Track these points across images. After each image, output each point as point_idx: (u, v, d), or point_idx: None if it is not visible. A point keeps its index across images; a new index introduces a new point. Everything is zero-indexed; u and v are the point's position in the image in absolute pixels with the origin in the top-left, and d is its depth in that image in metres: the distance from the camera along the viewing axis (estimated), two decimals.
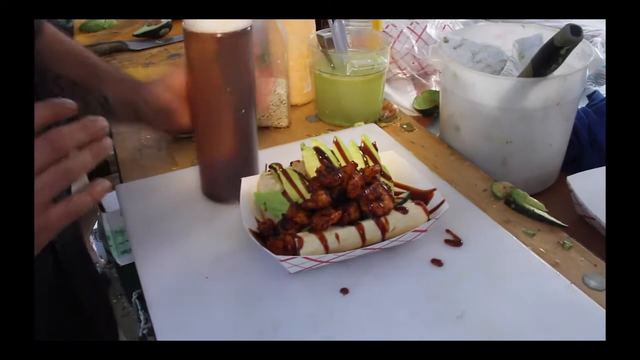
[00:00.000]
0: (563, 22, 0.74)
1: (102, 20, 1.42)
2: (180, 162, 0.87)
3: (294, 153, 0.74)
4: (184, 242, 0.68)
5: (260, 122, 0.95)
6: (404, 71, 1.19)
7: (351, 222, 0.61)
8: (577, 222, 0.80)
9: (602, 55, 1.26)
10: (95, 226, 1.99)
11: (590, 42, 1.36)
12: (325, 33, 0.95)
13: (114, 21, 1.44)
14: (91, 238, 2.01)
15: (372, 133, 0.90)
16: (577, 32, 0.70)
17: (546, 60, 0.75)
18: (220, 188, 0.73)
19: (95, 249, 2.00)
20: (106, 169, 1.41)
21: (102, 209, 1.49)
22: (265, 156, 0.79)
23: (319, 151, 0.65)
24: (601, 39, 1.40)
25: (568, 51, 0.73)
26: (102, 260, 2.02)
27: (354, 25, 1.07)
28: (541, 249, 0.68)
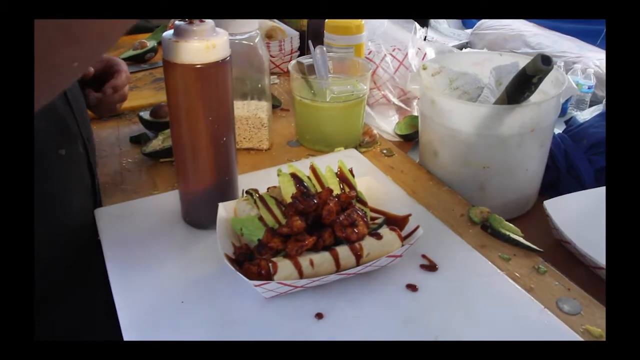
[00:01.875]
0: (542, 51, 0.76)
1: None
2: (161, 186, 0.87)
3: (273, 178, 0.75)
4: (160, 267, 0.68)
5: (242, 144, 0.96)
6: (386, 97, 1.20)
7: (326, 248, 0.62)
8: (553, 247, 0.81)
9: (580, 82, 1.30)
10: None
11: (570, 68, 1.39)
12: (305, 60, 0.96)
13: None
14: None
15: (351, 158, 0.91)
16: (547, 61, 0.71)
17: (519, 89, 0.77)
18: (199, 215, 0.73)
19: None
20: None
21: None
22: (245, 181, 0.79)
23: (295, 177, 0.66)
24: (581, 65, 1.43)
25: (540, 80, 0.75)
26: None
27: (336, 52, 1.09)
28: (516, 274, 0.69)
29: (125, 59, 1.33)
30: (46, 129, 0.71)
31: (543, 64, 0.72)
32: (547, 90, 0.88)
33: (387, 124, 1.12)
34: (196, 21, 0.62)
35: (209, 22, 0.63)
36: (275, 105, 1.12)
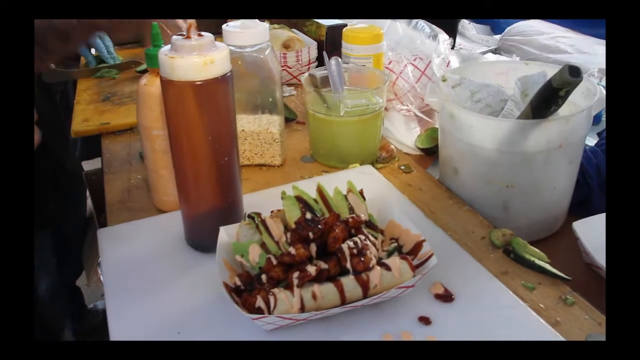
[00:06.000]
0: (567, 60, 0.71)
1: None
2: None
3: None
4: (159, 293, 0.65)
5: (253, 159, 0.93)
6: (407, 108, 1.15)
7: (330, 278, 0.57)
8: (584, 272, 0.75)
9: None
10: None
11: (601, 80, 1.32)
12: (319, 72, 0.92)
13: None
14: (99, 270, 2.01)
15: (367, 175, 0.87)
16: (576, 73, 0.66)
17: (545, 102, 0.71)
18: (202, 238, 0.70)
19: (102, 280, 1.98)
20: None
21: None
22: (253, 200, 0.76)
23: (300, 200, 0.62)
24: None
25: (567, 93, 0.69)
26: None
27: (354, 62, 1.05)
28: (541, 305, 0.63)
29: (141, 72, 1.32)
30: None
31: (571, 75, 0.66)
32: (577, 102, 0.82)
33: (408, 137, 1.07)
34: (194, 35, 0.59)
35: (208, 36, 0.60)
36: (290, 119, 1.08)
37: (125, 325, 0.60)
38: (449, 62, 1.15)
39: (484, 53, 1.74)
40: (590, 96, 0.80)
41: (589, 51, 1.67)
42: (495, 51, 1.96)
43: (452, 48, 1.29)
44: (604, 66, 1.40)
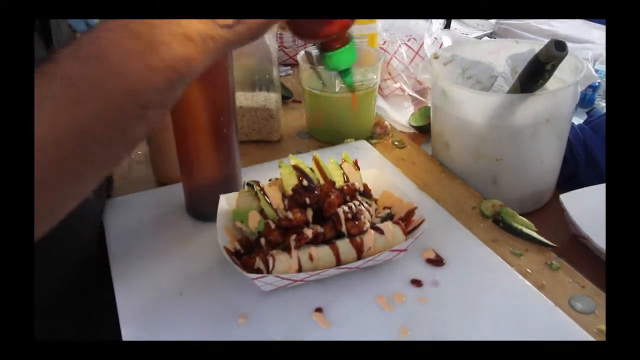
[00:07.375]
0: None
1: None
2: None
3: (278, 170, 0.73)
4: (162, 259, 0.67)
5: (251, 135, 0.95)
6: (401, 87, 1.18)
7: (326, 241, 0.60)
8: (570, 242, 0.78)
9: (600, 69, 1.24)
10: None
11: (598, 59, 1.34)
12: (314, 50, 0.94)
13: None
14: None
15: (361, 150, 0.90)
16: (561, 47, 0.68)
17: (532, 76, 0.74)
18: (202, 207, 0.73)
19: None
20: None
21: None
22: (251, 173, 0.78)
23: (297, 169, 0.65)
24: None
25: (554, 67, 0.72)
26: None
27: None
28: (528, 270, 0.66)
29: None
30: None
31: (557, 49, 0.68)
32: (566, 79, 0.85)
33: (401, 115, 1.09)
34: None
35: None
36: (287, 97, 1.11)
37: (130, 288, 0.63)
38: (441, 43, 1.17)
39: (480, 37, 1.76)
40: (577, 73, 0.82)
41: (583, 36, 1.69)
42: (491, 35, 1.98)
43: (448, 27, 1.31)
44: (598, 50, 1.42)
